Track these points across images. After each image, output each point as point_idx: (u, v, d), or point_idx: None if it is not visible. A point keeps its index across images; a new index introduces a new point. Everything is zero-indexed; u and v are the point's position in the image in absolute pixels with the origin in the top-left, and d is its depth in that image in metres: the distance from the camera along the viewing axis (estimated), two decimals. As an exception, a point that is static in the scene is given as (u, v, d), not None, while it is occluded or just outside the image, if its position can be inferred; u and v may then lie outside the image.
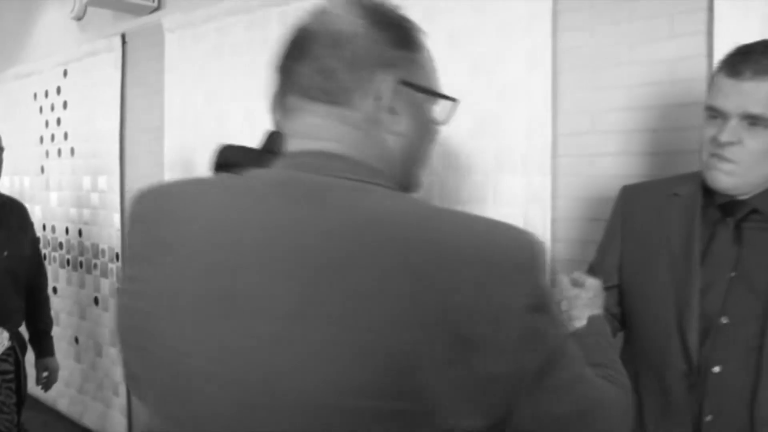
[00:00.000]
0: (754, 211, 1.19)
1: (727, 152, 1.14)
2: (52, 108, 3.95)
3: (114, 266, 3.47)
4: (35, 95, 4.13)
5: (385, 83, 0.74)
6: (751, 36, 1.45)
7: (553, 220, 1.81)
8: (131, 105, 3.37)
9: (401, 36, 0.77)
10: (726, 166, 1.15)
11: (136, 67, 3.33)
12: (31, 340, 2.69)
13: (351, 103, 0.74)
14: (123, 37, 3.37)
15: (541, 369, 0.66)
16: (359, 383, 0.60)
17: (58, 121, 3.88)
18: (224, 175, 0.79)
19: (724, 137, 1.13)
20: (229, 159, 1.38)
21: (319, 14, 0.77)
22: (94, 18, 3.62)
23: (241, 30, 2.68)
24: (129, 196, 3.40)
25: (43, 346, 2.75)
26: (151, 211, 0.76)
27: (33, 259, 2.72)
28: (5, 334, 1.96)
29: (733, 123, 1.13)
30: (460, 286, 0.61)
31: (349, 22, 0.75)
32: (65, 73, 3.82)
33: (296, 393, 0.61)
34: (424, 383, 0.60)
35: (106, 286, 3.55)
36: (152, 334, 0.71)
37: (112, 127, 3.43)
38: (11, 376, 2.01)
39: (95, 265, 3.62)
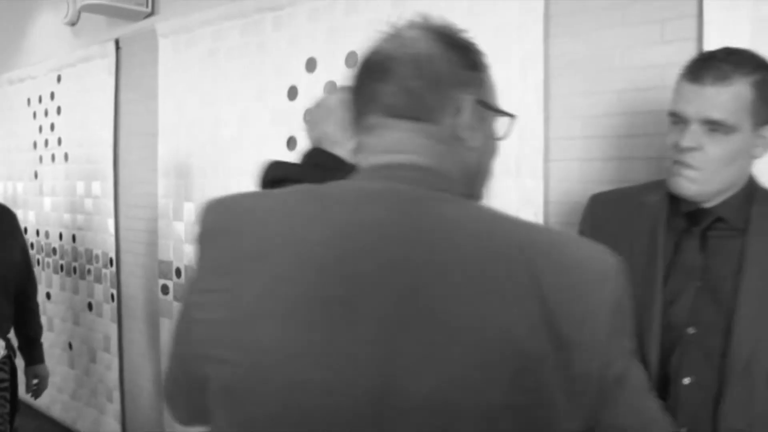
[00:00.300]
0: (719, 219, 1.19)
1: (689, 158, 1.15)
2: (46, 113, 3.94)
3: (108, 272, 3.47)
4: (29, 100, 4.12)
5: (465, 102, 0.79)
6: (739, 41, 1.47)
7: (545, 224, 1.82)
8: (125, 110, 3.37)
9: (471, 58, 0.82)
10: (689, 173, 1.15)
11: (130, 73, 3.33)
12: (20, 347, 2.68)
13: (434, 119, 0.78)
14: (117, 42, 3.38)
15: (622, 373, 0.72)
16: (482, 381, 0.64)
17: (52, 127, 3.87)
18: (302, 187, 0.82)
19: (685, 142, 1.14)
20: (278, 174, 1.38)
21: (395, 38, 0.82)
22: (87, 23, 3.63)
23: (235, 34, 2.69)
24: (123, 201, 3.40)
25: (33, 353, 2.74)
26: (233, 223, 0.77)
27: (22, 265, 2.71)
28: (1, 343, 1.95)
29: (694, 128, 1.14)
30: (561, 290, 0.67)
31: (426, 45, 0.80)
32: (59, 79, 3.82)
33: (421, 395, 0.64)
34: (538, 381, 0.65)
35: (100, 291, 3.55)
36: (249, 343, 0.70)
37: (106, 132, 3.43)
38: (6, 384, 1.99)
39: (89, 271, 3.62)
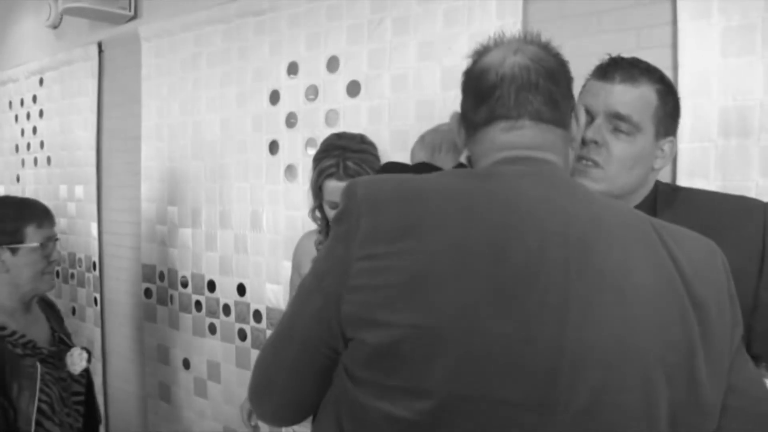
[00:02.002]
0: None
1: (593, 153, 1.17)
2: (28, 117, 3.92)
3: (91, 275, 3.45)
4: (10, 104, 4.09)
5: (580, 109, 0.94)
6: (711, 48, 1.50)
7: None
8: (108, 114, 3.36)
9: (568, 70, 0.95)
10: (594, 172, 1.17)
11: (113, 76, 3.32)
12: None
13: (565, 125, 0.91)
14: (99, 45, 3.36)
15: (740, 340, 0.82)
16: (644, 340, 0.73)
17: (34, 130, 3.85)
18: (453, 170, 0.94)
19: (589, 134, 1.16)
20: (400, 171, 1.42)
21: (523, 53, 0.90)
22: (70, 26, 3.61)
23: (218, 39, 2.69)
24: (106, 205, 3.39)
25: None
26: (400, 194, 0.82)
27: None
28: (84, 354, 1.88)
29: (599, 121, 1.17)
30: (689, 259, 0.79)
31: (553, 60, 0.91)
32: (41, 82, 3.79)
33: (596, 350, 0.72)
34: (690, 337, 0.75)
35: (83, 295, 3.53)
36: (431, 304, 0.75)
37: (88, 136, 3.41)
38: (81, 398, 1.92)
39: (72, 275, 3.60)
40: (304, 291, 0.87)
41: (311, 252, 1.89)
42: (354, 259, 0.79)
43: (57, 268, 3.57)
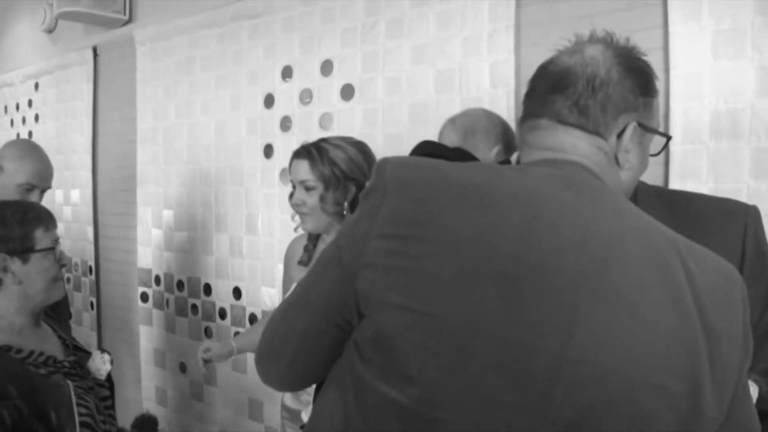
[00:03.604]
0: None
1: None
2: (24, 121, 3.92)
3: (87, 280, 3.45)
4: (6, 108, 4.09)
5: (629, 127, 0.86)
6: (702, 52, 1.51)
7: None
8: (103, 118, 3.36)
9: (645, 82, 0.88)
10: None
11: (108, 80, 3.32)
12: None
13: (600, 133, 0.86)
14: (94, 49, 3.37)
15: (746, 377, 0.79)
16: (649, 361, 0.72)
17: (30, 134, 3.85)
18: (479, 162, 0.89)
19: None
20: (435, 151, 1.40)
21: (576, 53, 0.88)
22: (65, 31, 3.61)
23: (212, 43, 2.69)
24: (101, 209, 3.38)
25: None
26: (428, 178, 0.80)
27: None
28: (107, 356, 1.73)
29: None
30: (709, 289, 0.76)
31: (606, 67, 0.86)
32: (36, 86, 3.79)
33: (600, 364, 0.71)
34: (695, 368, 0.73)
35: (79, 299, 3.53)
36: (440, 295, 0.74)
37: (84, 140, 3.41)
38: (110, 402, 1.75)
39: (68, 279, 3.59)
40: (324, 261, 0.87)
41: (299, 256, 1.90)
42: (372, 237, 0.78)
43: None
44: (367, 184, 0.85)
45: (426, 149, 1.39)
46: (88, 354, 1.74)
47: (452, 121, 1.58)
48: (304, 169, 1.72)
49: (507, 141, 1.52)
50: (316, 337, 0.87)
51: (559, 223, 0.76)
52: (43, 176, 2.20)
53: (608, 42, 0.90)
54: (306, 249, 1.89)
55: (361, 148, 1.78)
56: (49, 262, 1.62)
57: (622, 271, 0.74)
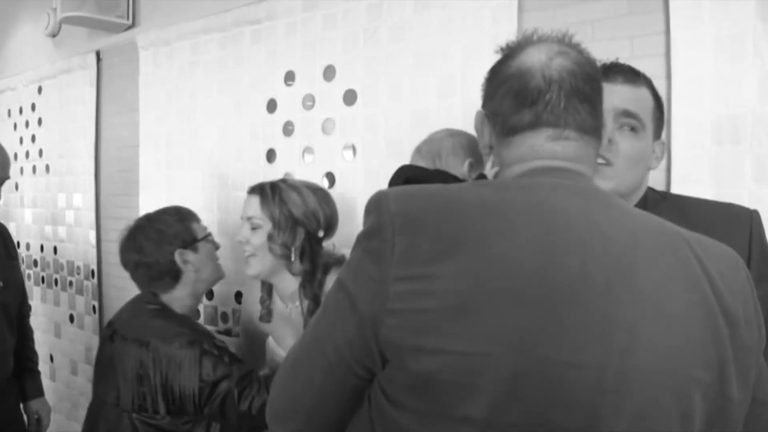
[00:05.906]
0: None
1: (605, 151, 1.17)
2: (27, 125, 3.93)
3: (89, 283, 3.45)
4: (9, 112, 4.10)
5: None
6: (704, 57, 1.51)
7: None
8: (106, 122, 3.37)
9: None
10: (605, 170, 1.17)
11: (111, 85, 3.33)
12: (17, 378, 2.40)
13: (600, 136, 0.89)
14: (98, 54, 3.37)
15: (761, 346, 0.81)
16: (684, 354, 0.73)
17: (33, 138, 3.86)
18: (487, 181, 0.90)
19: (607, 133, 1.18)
20: (416, 176, 1.39)
21: (563, 54, 0.86)
22: (68, 35, 3.62)
23: (214, 48, 2.70)
24: (104, 213, 3.39)
25: (32, 386, 2.47)
26: (438, 209, 0.78)
27: (22, 285, 2.51)
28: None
29: (607, 120, 1.19)
30: (721, 274, 0.78)
31: (589, 65, 0.88)
32: (40, 90, 3.80)
33: (669, 367, 0.72)
34: (720, 356, 0.74)
35: (82, 303, 3.53)
36: (477, 329, 0.71)
37: (86, 144, 3.42)
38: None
39: (71, 283, 3.60)
40: (333, 310, 0.83)
41: None
42: (391, 280, 0.74)
43: (55, 276, 3.60)
44: (367, 221, 0.81)
45: (407, 173, 1.39)
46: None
47: (418, 150, 1.59)
48: (254, 205, 1.70)
49: (477, 154, 1.52)
50: (335, 387, 0.84)
51: (578, 233, 0.75)
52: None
53: (569, 42, 0.91)
54: (262, 302, 1.86)
55: (321, 195, 1.75)
56: (211, 246, 1.94)
57: (643, 271, 0.75)
